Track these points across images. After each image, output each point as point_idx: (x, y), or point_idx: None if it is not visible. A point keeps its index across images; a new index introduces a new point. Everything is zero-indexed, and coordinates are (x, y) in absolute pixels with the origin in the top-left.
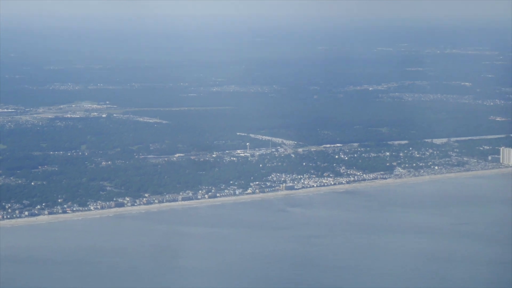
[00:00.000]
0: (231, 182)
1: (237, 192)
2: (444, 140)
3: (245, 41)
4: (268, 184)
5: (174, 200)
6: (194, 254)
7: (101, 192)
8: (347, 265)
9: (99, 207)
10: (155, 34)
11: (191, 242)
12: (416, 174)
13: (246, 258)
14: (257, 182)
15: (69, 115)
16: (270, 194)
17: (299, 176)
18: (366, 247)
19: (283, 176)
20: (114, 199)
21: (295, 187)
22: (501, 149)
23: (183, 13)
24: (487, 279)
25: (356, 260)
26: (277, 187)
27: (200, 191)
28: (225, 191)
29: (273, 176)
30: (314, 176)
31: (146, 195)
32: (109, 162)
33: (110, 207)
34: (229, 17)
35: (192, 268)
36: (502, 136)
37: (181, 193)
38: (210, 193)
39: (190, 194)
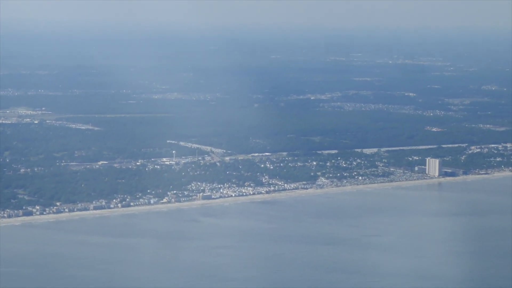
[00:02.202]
0: (148, 191)
1: (152, 201)
2: (375, 150)
3: (199, 50)
4: (186, 193)
5: (86, 209)
6: (87, 263)
7: (12, 200)
8: (243, 276)
9: (6, 215)
10: (113, 40)
11: (89, 252)
12: (339, 184)
13: (140, 268)
14: (174, 191)
15: (0, 121)
16: (186, 203)
17: (219, 186)
18: (269, 258)
19: (203, 185)
20: (24, 207)
21: (213, 196)
22: (427, 159)
23: (146, 17)
24: None
25: (253, 271)
26: (194, 197)
27: (114, 200)
28: (140, 200)
29: (193, 185)
30: (234, 185)
31: (58, 203)
32: (28, 170)
33: (18, 215)
34: (186, 25)
35: (79, 276)
36: (434, 146)
37: (94, 202)
38: (123, 202)
39: (103, 203)
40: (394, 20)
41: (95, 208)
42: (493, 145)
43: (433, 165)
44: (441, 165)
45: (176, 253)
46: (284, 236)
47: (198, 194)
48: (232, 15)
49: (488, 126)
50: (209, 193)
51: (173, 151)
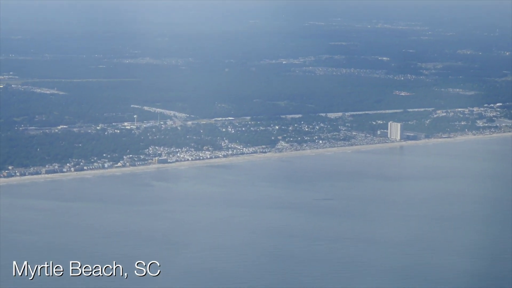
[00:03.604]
0: (104, 155)
1: (106, 165)
2: (339, 114)
3: (178, 14)
4: (142, 157)
5: (38, 173)
6: (28, 228)
7: None
8: (184, 240)
9: None
10: (89, 5)
11: (33, 216)
12: (298, 148)
13: (82, 233)
14: (130, 155)
15: None
16: (140, 167)
17: (177, 150)
18: (215, 222)
19: (161, 149)
20: None
21: (169, 160)
22: (389, 123)
23: None
24: (319, 254)
25: (196, 235)
26: (149, 161)
27: (67, 164)
28: (94, 164)
29: (150, 149)
30: (192, 149)
31: (10, 167)
32: None
33: None
34: None
35: (18, 241)
36: (400, 110)
37: (46, 166)
38: (77, 166)
39: (56, 167)
40: None
41: (47, 172)
42: (459, 109)
43: (395, 128)
44: (403, 128)
45: (122, 218)
46: (235, 200)
47: (154, 158)
48: None
49: (457, 90)
50: (165, 157)
51: (135, 116)
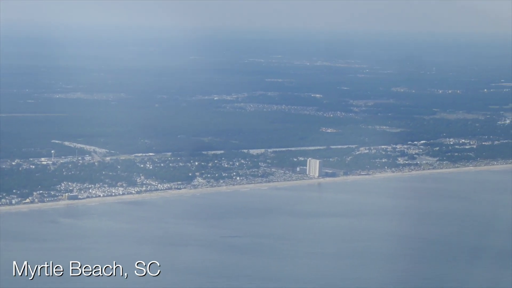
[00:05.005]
0: (14, 191)
1: (13, 201)
2: (262, 150)
3: (122, 50)
4: (53, 193)
5: None
6: None
7: None
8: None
9: None
10: (39, 40)
11: None
12: (215, 184)
13: None
14: (41, 191)
15: None
16: (49, 203)
17: (90, 186)
18: (116, 260)
19: (73, 185)
20: None
21: (79, 196)
22: (308, 160)
23: (75, 20)
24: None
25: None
26: (59, 197)
27: None
28: (2, 200)
29: (62, 185)
30: (106, 185)
31: None
32: None
33: None
34: (115, 26)
35: None
36: (323, 147)
37: None
38: None
39: None
40: (329, 22)
41: None
42: (383, 146)
43: (313, 165)
44: (322, 165)
45: (18, 255)
46: (139, 237)
47: (64, 194)
48: (164, 17)
49: (384, 127)
50: (76, 193)
51: (52, 151)
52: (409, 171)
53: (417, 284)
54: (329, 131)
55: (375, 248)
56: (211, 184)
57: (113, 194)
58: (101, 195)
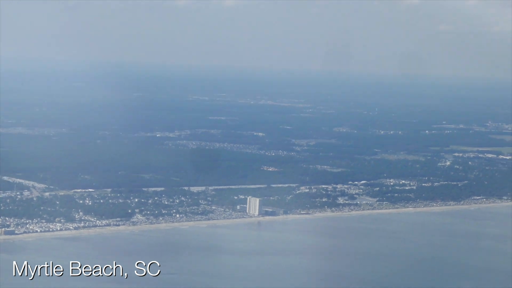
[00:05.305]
0: None
1: None
2: (203, 188)
3: (66, 85)
4: None
5: None
6: None
7: None
8: None
9: None
10: None
11: None
12: (154, 221)
13: None
14: None
15: None
16: None
17: (27, 221)
18: None
19: (11, 220)
20: None
21: (16, 231)
22: (248, 198)
23: (21, 55)
24: None
25: None
26: None
27: None
28: None
29: None
30: (44, 221)
31: None
32: None
33: None
34: (62, 61)
35: None
36: (264, 186)
37: None
38: None
39: None
40: (275, 61)
41: None
42: (323, 186)
43: (253, 204)
44: (261, 204)
45: None
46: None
47: (0, 229)
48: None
49: (325, 167)
50: (13, 228)
51: None
52: (349, 211)
53: None
54: (270, 169)
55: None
56: (150, 221)
57: (50, 229)
58: (39, 230)
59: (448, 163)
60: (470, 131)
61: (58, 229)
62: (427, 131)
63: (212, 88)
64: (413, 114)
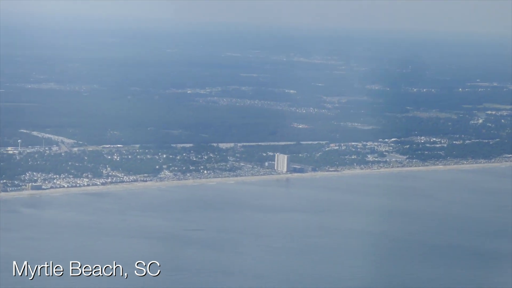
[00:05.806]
0: None
1: None
2: (231, 145)
3: (101, 41)
4: (16, 183)
5: None
6: None
7: None
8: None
9: None
10: (15, 29)
11: None
12: (181, 178)
13: None
14: (4, 181)
15: None
16: (12, 193)
17: (54, 176)
18: (73, 250)
19: (38, 175)
20: None
21: (43, 187)
22: (276, 155)
23: (55, 10)
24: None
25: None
26: (23, 187)
27: None
28: None
29: (27, 175)
30: (71, 176)
31: None
32: None
33: None
34: (97, 17)
35: None
36: (293, 143)
37: None
38: None
39: None
40: (312, 19)
41: None
42: (353, 143)
43: (281, 160)
44: (290, 161)
45: None
46: (100, 228)
47: (27, 184)
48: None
49: (355, 124)
50: (40, 183)
51: (19, 140)
52: (378, 169)
53: (375, 280)
54: (300, 126)
55: (337, 245)
56: (178, 177)
57: (77, 185)
58: (66, 185)
59: (480, 121)
60: (504, 89)
61: (85, 184)
62: (460, 89)
63: (246, 45)
64: (446, 72)
